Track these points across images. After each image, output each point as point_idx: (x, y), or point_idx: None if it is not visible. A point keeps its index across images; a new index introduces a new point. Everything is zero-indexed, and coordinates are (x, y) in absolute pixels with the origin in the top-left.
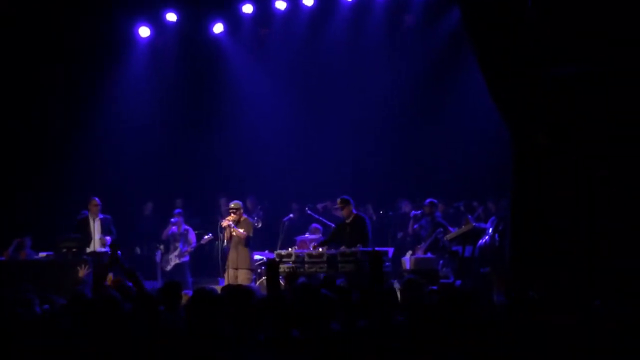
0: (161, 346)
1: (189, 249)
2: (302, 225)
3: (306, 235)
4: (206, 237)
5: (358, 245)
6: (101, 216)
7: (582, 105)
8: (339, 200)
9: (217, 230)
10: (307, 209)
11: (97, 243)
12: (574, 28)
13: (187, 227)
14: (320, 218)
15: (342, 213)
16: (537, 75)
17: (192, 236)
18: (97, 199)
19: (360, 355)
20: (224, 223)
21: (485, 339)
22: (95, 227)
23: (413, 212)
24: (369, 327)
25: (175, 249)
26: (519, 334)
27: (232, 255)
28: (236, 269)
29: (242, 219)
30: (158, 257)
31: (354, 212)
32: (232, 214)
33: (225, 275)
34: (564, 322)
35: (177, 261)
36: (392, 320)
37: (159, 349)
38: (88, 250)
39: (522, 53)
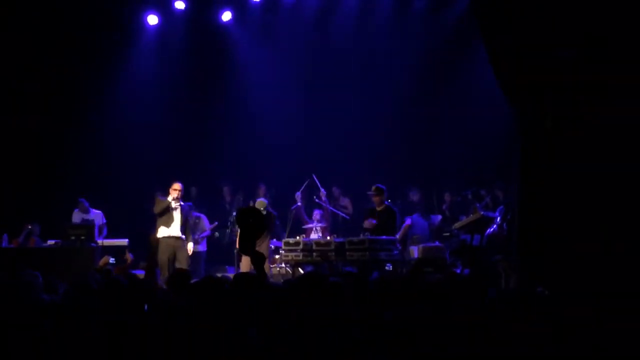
0: (164, 329)
1: (198, 236)
2: (309, 214)
3: (314, 223)
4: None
5: (366, 234)
6: (181, 202)
7: (592, 89)
8: (373, 188)
9: (225, 219)
10: (315, 197)
11: (177, 227)
12: (581, 8)
13: (198, 214)
14: (328, 207)
15: (374, 200)
16: (545, 58)
17: (205, 223)
18: (180, 183)
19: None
20: None
21: (490, 330)
22: (176, 211)
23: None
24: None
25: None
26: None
27: None
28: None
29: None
30: None
31: (386, 202)
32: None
33: (241, 264)
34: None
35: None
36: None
37: (162, 332)
38: (166, 234)
39: (530, 35)
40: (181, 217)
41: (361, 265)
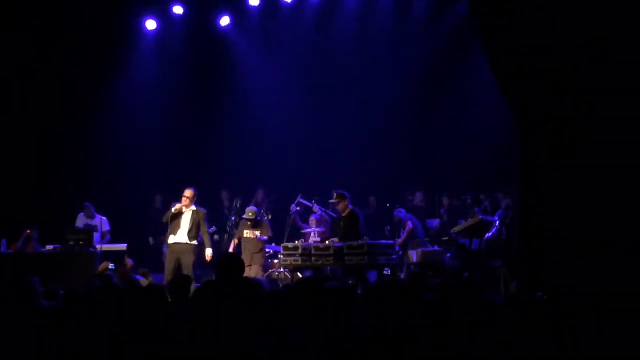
0: (168, 335)
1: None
2: (309, 218)
3: (313, 228)
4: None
5: (365, 238)
6: (196, 207)
7: (592, 89)
8: (335, 195)
9: (223, 223)
10: (313, 202)
11: (184, 234)
12: (581, 8)
13: None
14: (327, 211)
15: (338, 207)
16: (545, 58)
17: None
18: (193, 189)
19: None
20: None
21: (489, 333)
22: (185, 218)
23: None
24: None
25: None
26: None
27: (246, 254)
28: (249, 265)
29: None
30: (165, 250)
31: (350, 207)
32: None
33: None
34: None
35: None
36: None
37: (166, 339)
38: (173, 240)
39: (530, 35)
40: (191, 223)
41: (357, 270)
